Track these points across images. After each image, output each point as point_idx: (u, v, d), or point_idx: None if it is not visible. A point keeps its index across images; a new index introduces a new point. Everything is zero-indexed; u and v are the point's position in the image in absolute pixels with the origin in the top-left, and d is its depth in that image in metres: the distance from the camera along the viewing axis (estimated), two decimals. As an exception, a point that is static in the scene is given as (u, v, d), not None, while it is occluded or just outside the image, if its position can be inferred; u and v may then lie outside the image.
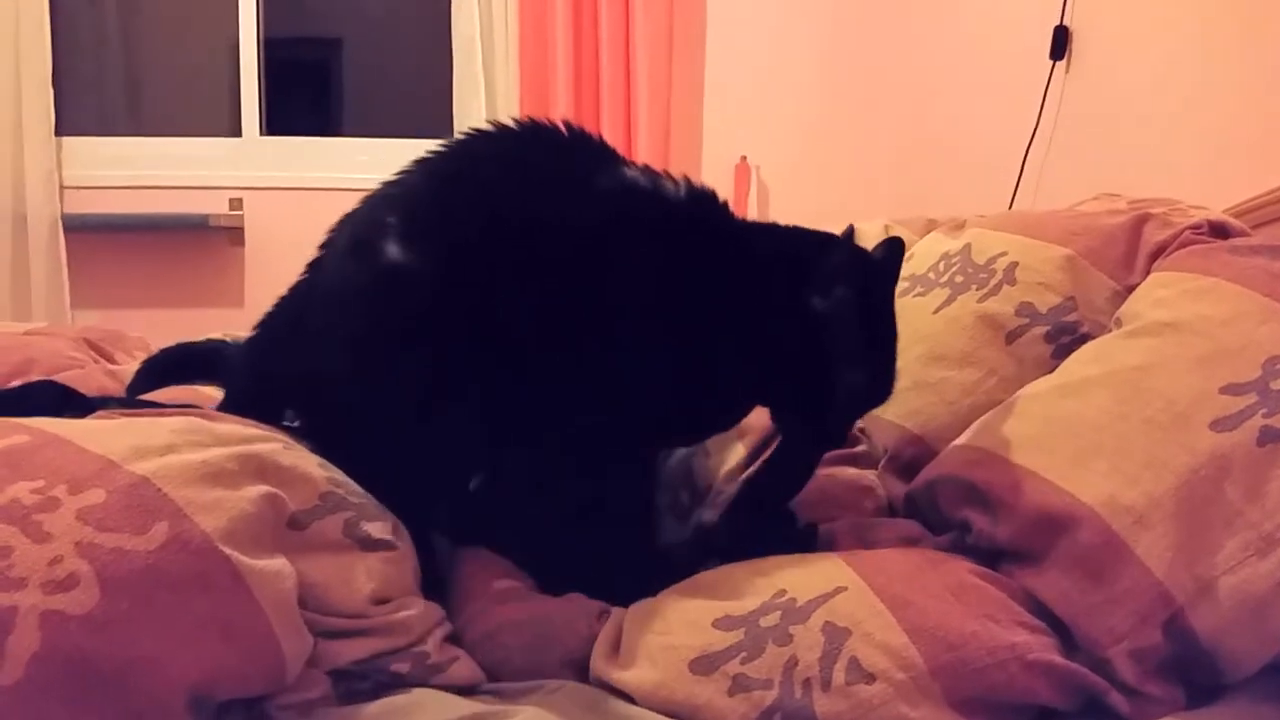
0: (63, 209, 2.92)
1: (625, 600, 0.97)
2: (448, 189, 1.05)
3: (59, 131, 2.93)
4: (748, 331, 1.04)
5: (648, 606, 0.94)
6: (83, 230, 2.94)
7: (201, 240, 3.03)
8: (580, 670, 0.90)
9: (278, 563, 0.80)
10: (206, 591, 0.74)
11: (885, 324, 1.10)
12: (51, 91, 2.89)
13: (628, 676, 0.86)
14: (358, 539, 0.89)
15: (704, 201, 1.09)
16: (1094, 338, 1.17)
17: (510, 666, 0.91)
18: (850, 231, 1.09)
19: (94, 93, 3.59)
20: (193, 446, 0.84)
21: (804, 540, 1.10)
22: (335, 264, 1.06)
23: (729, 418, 1.16)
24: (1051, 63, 2.24)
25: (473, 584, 1.01)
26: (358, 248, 1.04)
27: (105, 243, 3.00)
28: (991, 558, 0.97)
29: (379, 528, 0.92)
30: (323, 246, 1.10)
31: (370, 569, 0.88)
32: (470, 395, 1.01)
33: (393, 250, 1.00)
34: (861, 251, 1.11)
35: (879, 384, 1.09)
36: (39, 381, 1.20)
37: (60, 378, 1.33)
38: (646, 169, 1.08)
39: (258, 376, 1.14)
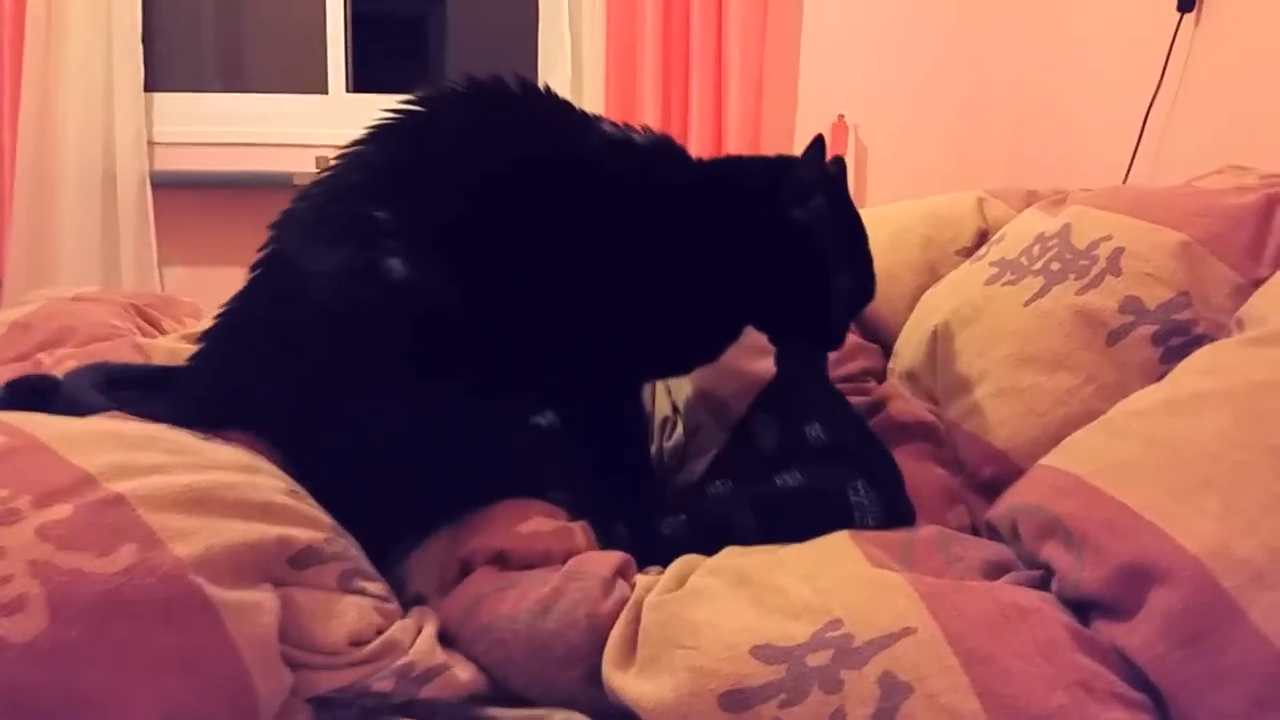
0: (151, 166, 2.92)
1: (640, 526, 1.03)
2: (430, 168, 1.03)
3: (148, 87, 2.91)
4: (736, 252, 1.11)
5: (671, 609, 0.84)
6: (170, 187, 2.94)
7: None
8: (586, 665, 0.84)
9: (258, 595, 0.75)
10: (168, 622, 0.69)
11: (858, 227, 1.17)
12: (141, 48, 2.87)
13: (644, 693, 0.78)
14: (352, 590, 0.84)
15: (668, 145, 1.17)
16: (1211, 340, 1.05)
17: (511, 667, 0.86)
18: (817, 143, 1.13)
19: (185, 49, 3.59)
20: (185, 469, 0.80)
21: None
22: (332, 283, 0.98)
23: (723, 340, 1.21)
24: (1179, 14, 2.03)
25: (461, 549, 0.98)
26: (354, 266, 0.98)
27: (192, 200, 2.99)
28: (1078, 609, 0.84)
29: (376, 587, 0.87)
30: (280, 241, 1.06)
31: (361, 610, 0.83)
32: (496, 372, 1.02)
33: (398, 267, 0.98)
34: (825, 164, 1.15)
35: (865, 283, 1.18)
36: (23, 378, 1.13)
37: (91, 349, 1.31)
38: (609, 121, 1.14)
39: (209, 396, 1.02)
